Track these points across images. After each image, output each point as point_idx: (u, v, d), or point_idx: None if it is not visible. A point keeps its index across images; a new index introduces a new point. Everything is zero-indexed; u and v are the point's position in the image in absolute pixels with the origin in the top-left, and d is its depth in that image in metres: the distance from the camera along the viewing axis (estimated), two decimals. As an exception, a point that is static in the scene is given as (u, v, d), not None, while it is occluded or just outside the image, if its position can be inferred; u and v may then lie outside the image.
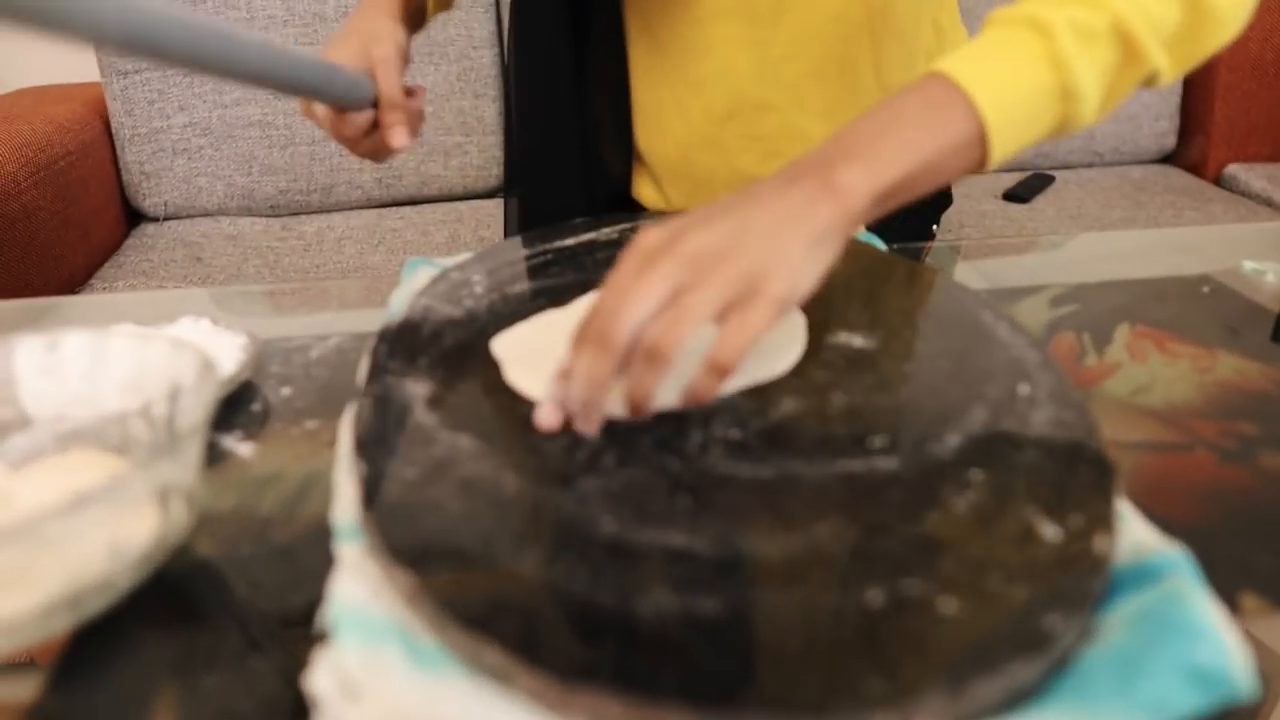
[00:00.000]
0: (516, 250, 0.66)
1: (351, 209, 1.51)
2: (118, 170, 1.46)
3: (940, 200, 0.91)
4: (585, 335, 0.42)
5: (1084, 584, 0.34)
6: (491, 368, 0.49)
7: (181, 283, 1.26)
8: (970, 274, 0.75)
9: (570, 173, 0.85)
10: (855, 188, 0.44)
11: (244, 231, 1.42)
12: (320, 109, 0.66)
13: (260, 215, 1.49)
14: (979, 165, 0.48)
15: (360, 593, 0.35)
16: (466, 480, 0.40)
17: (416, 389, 0.47)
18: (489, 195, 1.57)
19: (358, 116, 0.66)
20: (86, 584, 0.34)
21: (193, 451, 0.38)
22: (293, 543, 0.42)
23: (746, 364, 0.46)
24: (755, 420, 0.44)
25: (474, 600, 0.33)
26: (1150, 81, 0.51)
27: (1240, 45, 1.65)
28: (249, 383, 0.55)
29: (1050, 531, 0.36)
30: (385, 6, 0.72)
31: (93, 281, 1.28)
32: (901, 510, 0.38)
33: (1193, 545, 0.35)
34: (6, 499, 0.39)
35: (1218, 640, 0.30)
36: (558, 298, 0.57)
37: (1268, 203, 1.58)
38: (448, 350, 0.51)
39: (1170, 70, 0.51)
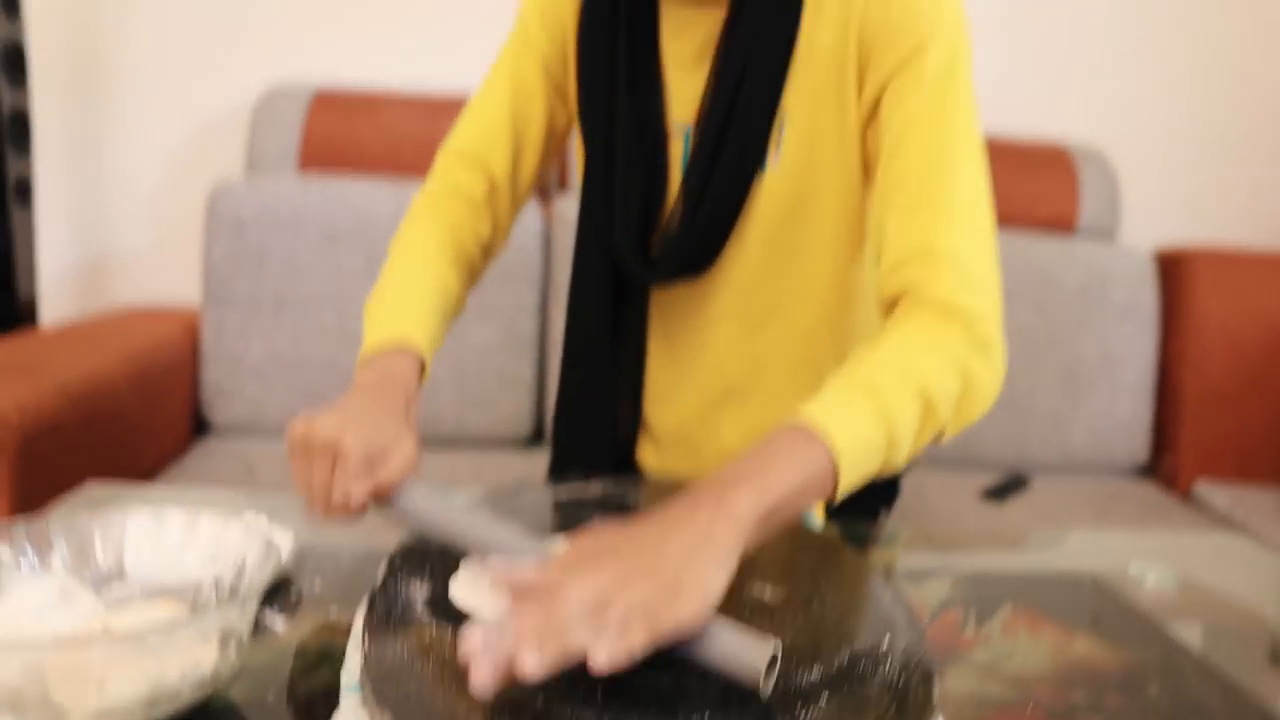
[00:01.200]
0: (522, 497, 0.81)
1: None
2: (196, 386, 1.67)
3: (887, 491, 1.06)
4: (526, 599, 0.50)
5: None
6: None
7: (234, 488, 1.43)
8: (906, 556, 0.89)
9: (597, 428, 0.99)
10: (746, 510, 0.56)
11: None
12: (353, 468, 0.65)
13: (313, 437, 1.67)
14: (829, 496, 0.63)
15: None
16: (444, 660, 0.54)
17: (419, 591, 0.62)
18: (516, 444, 1.75)
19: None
20: (161, 692, 0.47)
21: (250, 608, 0.53)
22: (309, 695, 0.56)
23: None
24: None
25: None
26: (938, 439, 0.71)
27: (1203, 372, 1.85)
28: (288, 575, 0.70)
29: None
30: (398, 394, 0.74)
31: (158, 479, 1.46)
32: (763, 713, 0.51)
33: None
34: (107, 627, 0.53)
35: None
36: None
37: (1228, 522, 1.70)
38: (448, 565, 0.66)
39: (951, 429, 0.72)
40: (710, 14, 0.82)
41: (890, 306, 0.77)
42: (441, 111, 1.81)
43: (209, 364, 1.67)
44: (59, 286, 1.89)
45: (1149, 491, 1.83)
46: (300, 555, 0.73)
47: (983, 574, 0.84)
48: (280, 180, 1.71)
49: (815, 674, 0.55)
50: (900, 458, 0.66)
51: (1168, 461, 1.88)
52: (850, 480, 0.62)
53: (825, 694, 0.53)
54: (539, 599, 0.50)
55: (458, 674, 0.52)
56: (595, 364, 0.97)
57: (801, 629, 0.61)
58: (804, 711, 0.51)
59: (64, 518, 0.61)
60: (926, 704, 0.53)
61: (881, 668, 0.56)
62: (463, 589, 0.63)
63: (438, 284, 0.87)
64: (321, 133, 1.76)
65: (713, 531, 0.54)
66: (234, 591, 0.56)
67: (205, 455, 1.57)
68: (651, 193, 0.87)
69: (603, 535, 0.56)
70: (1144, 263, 1.91)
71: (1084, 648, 0.70)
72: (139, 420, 1.47)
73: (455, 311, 0.92)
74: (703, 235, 0.85)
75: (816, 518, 0.83)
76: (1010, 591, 0.80)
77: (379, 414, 0.69)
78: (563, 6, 0.90)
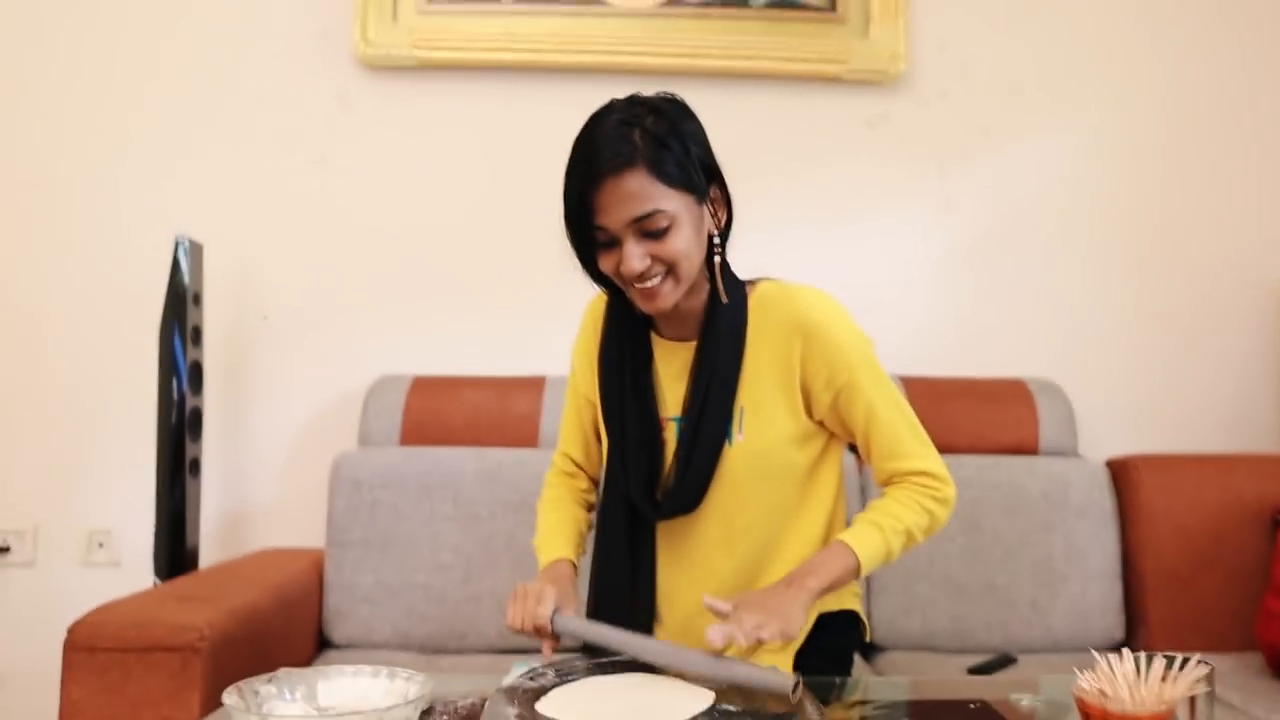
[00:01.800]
0: (573, 660, 1.20)
1: (479, 653, 2.07)
2: (321, 609, 2.09)
3: (850, 642, 1.42)
4: (743, 620, 1.08)
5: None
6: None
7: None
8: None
9: (620, 622, 1.38)
10: (813, 587, 1.18)
11: (397, 661, 1.98)
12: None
13: (412, 650, 2.06)
14: (855, 577, 1.23)
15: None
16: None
17: (510, 710, 1.00)
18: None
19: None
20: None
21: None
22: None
23: (669, 712, 0.98)
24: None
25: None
26: (907, 548, 1.27)
27: (1159, 558, 2.16)
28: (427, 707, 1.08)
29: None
30: (566, 582, 1.32)
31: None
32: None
33: None
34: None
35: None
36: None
37: (1193, 689, 1.96)
38: (529, 696, 1.04)
39: (923, 540, 1.28)
40: (687, 346, 1.32)
41: (885, 485, 1.33)
42: (510, 389, 2.31)
43: (330, 592, 2.08)
44: (214, 536, 2.36)
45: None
46: (434, 697, 1.11)
47: (898, 702, 1.18)
48: (387, 449, 2.19)
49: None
50: (893, 559, 1.26)
51: (1141, 636, 2.15)
52: (866, 570, 1.23)
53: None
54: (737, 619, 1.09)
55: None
56: (618, 577, 1.38)
57: (749, 722, 0.98)
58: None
59: (295, 673, 1.01)
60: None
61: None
62: (542, 707, 1.01)
63: (574, 521, 1.46)
64: (418, 409, 2.26)
65: (799, 596, 1.16)
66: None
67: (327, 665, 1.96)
68: (653, 461, 1.32)
69: (753, 595, 1.18)
70: (1098, 470, 2.27)
71: (950, 738, 1.04)
72: (280, 635, 1.88)
73: (586, 533, 1.48)
74: (691, 486, 1.29)
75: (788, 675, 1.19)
76: (915, 712, 1.15)
77: (558, 587, 1.27)
78: (589, 350, 1.43)
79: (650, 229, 1.16)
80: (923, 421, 2.25)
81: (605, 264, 1.22)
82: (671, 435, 1.31)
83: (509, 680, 1.14)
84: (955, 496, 1.30)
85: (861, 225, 2.58)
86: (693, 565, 1.33)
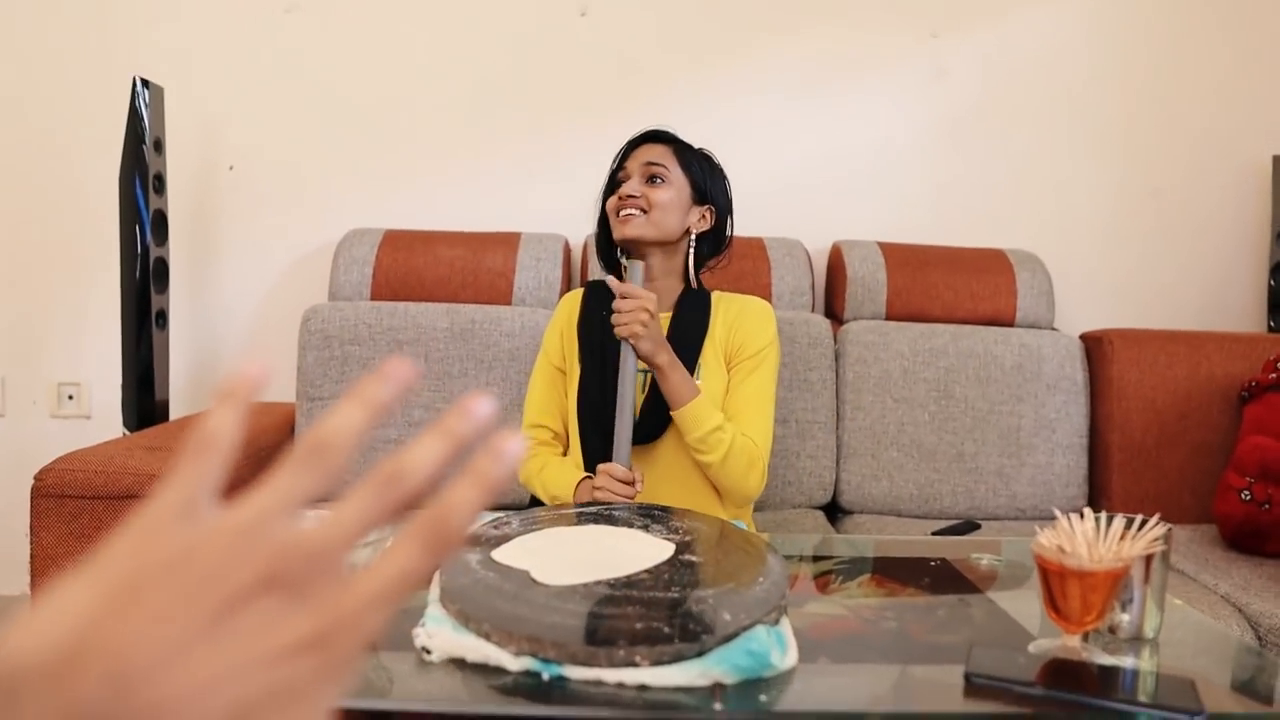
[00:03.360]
0: (537, 511, 1.20)
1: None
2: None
3: None
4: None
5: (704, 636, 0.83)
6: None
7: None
8: (842, 547, 1.25)
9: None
10: (665, 360, 1.42)
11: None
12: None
13: (385, 504, 2.07)
14: (679, 403, 1.44)
15: (439, 615, 0.87)
16: (486, 584, 0.92)
17: (472, 556, 1.00)
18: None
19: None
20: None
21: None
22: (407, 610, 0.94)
23: (629, 563, 0.98)
24: (624, 578, 0.95)
25: (476, 619, 0.84)
26: (710, 465, 1.46)
27: (1126, 432, 2.19)
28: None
29: (727, 616, 0.86)
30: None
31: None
32: (672, 589, 0.88)
33: (819, 657, 0.85)
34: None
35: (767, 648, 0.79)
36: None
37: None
38: (490, 544, 1.04)
39: (721, 469, 1.46)
40: (662, 315, 1.54)
41: None
42: (484, 245, 2.27)
43: (303, 448, 2.08)
44: (184, 389, 2.34)
45: (1089, 536, 2.15)
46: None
47: (862, 559, 1.20)
48: (358, 304, 2.16)
49: (709, 591, 0.92)
50: (702, 439, 1.43)
51: (1102, 507, 2.19)
52: (689, 412, 1.42)
53: (711, 599, 0.90)
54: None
55: (499, 589, 0.90)
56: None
57: (710, 573, 0.99)
58: (694, 605, 0.88)
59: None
60: (775, 604, 0.90)
61: (754, 587, 0.94)
62: (500, 555, 1.01)
63: (577, 466, 1.56)
64: (390, 264, 2.21)
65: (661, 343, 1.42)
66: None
67: (301, 520, 1.97)
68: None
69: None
70: (1072, 343, 2.27)
71: (910, 593, 1.06)
72: (251, 487, 1.88)
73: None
74: (660, 418, 1.48)
75: (744, 524, 1.20)
76: (877, 567, 1.16)
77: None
78: (564, 332, 1.62)
79: (652, 174, 1.54)
80: (902, 290, 2.23)
81: (611, 201, 1.56)
82: (642, 383, 1.53)
83: (472, 527, 1.15)
84: (762, 480, 1.49)
85: (849, 90, 2.51)
86: (654, 481, 1.51)
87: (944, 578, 1.13)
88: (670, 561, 1.01)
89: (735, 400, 1.52)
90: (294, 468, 0.33)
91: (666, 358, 1.42)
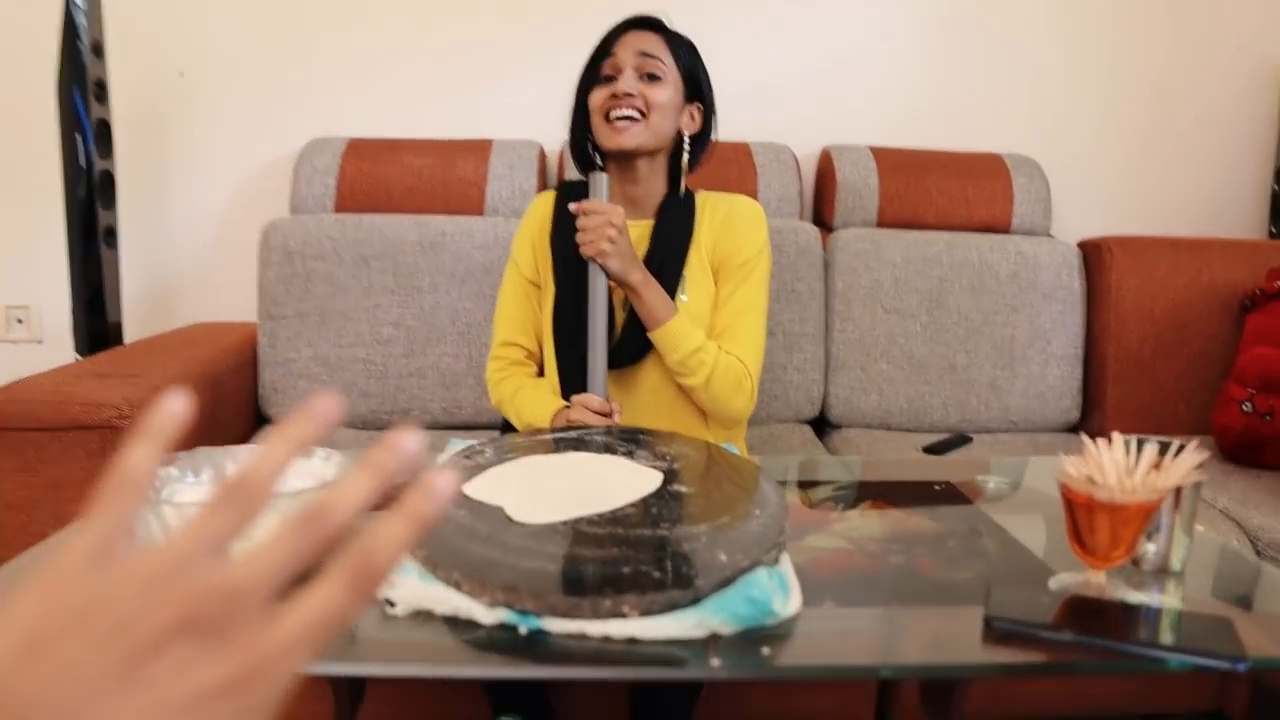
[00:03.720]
0: (514, 439, 1.12)
1: (423, 429, 2.00)
2: (256, 387, 1.99)
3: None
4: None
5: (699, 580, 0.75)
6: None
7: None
8: (838, 469, 1.18)
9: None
10: (638, 279, 1.32)
11: (339, 437, 1.91)
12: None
13: (353, 427, 1.98)
14: (656, 324, 1.32)
15: (411, 567, 0.79)
16: (459, 524, 0.84)
17: (443, 491, 0.92)
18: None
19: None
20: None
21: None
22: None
23: (614, 496, 0.90)
24: (608, 514, 0.87)
25: (445, 565, 0.76)
26: (696, 388, 1.35)
27: (1122, 342, 2.12)
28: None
29: (724, 557, 0.78)
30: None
31: (232, 464, 1.77)
32: (659, 548, 0.80)
33: (821, 594, 0.77)
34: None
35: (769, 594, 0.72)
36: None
37: (1143, 468, 1.97)
38: (465, 477, 0.96)
39: (706, 391, 1.35)
40: (639, 225, 1.43)
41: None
42: (453, 153, 2.14)
43: (265, 368, 1.98)
44: (138, 311, 2.22)
45: (1076, 443, 2.09)
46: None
47: (862, 483, 1.12)
48: (321, 217, 2.03)
49: (702, 527, 0.84)
50: (683, 360, 1.32)
51: (1095, 420, 2.14)
52: (667, 331, 1.31)
53: (704, 535, 0.82)
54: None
55: (471, 530, 0.82)
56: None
57: (701, 505, 0.91)
58: (686, 543, 0.81)
59: (205, 452, 0.92)
60: (774, 541, 0.82)
61: (749, 521, 0.86)
62: (472, 489, 0.93)
63: (554, 392, 1.43)
64: (354, 174, 2.08)
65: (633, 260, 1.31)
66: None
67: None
68: (610, 317, 1.36)
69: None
70: (1070, 251, 2.18)
71: (914, 522, 0.99)
72: (212, 414, 1.78)
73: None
74: (632, 346, 1.37)
75: (736, 447, 1.12)
76: (878, 492, 1.09)
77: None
78: (535, 240, 1.48)
79: (649, 70, 1.36)
80: (894, 196, 2.11)
81: (596, 95, 1.37)
82: (620, 299, 1.39)
83: (443, 458, 1.06)
84: (751, 401, 1.38)
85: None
86: (637, 406, 1.40)
87: (949, 503, 1.06)
88: (658, 494, 0.93)
89: (723, 314, 1.41)
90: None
91: (639, 275, 1.30)
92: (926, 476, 1.17)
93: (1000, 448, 2.03)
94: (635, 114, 1.34)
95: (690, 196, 1.46)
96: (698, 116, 1.44)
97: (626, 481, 0.97)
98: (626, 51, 1.36)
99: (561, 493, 0.94)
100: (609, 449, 1.09)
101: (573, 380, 1.38)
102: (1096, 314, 2.16)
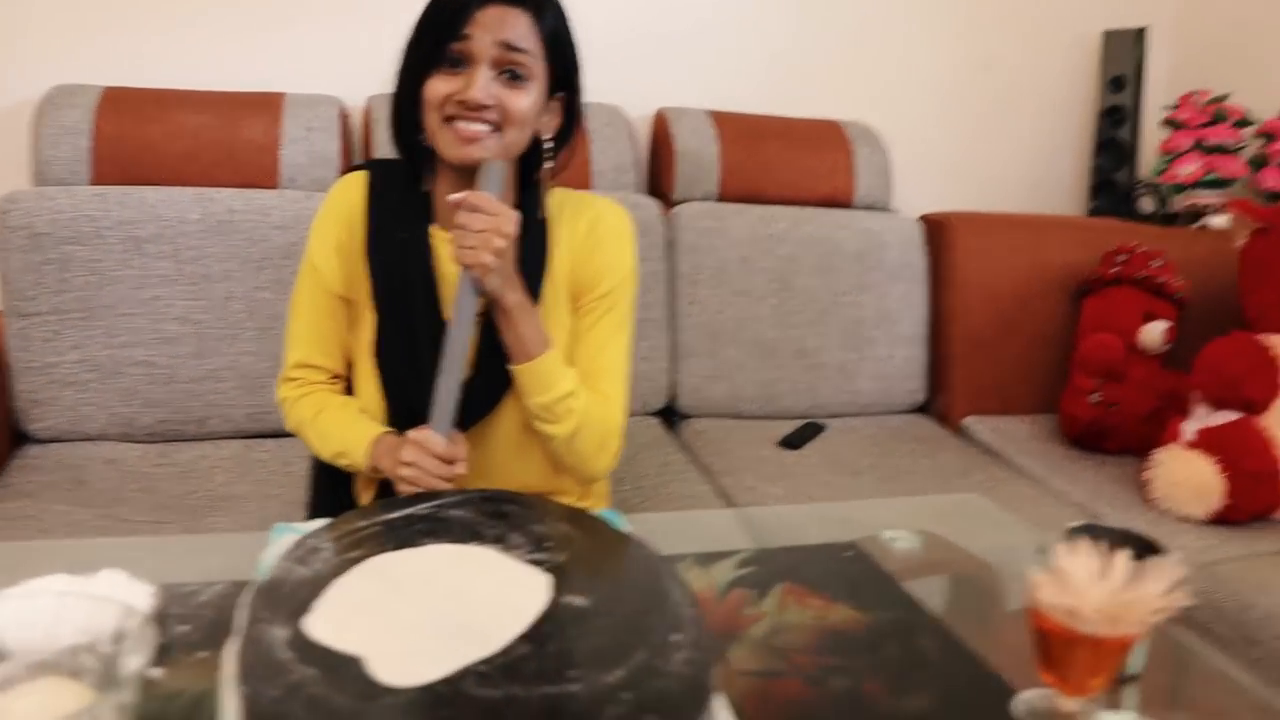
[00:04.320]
0: (355, 522, 0.91)
1: (223, 438, 1.72)
2: (7, 398, 1.64)
3: None
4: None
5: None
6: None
7: (66, 503, 1.44)
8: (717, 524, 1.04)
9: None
10: (514, 300, 1.06)
11: (123, 456, 1.61)
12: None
13: (139, 441, 1.68)
14: (524, 358, 1.09)
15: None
16: (310, 698, 0.64)
17: (279, 633, 0.71)
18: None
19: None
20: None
21: (133, 686, 0.60)
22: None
23: (496, 621, 0.72)
24: (498, 658, 0.70)
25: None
26: (555, 437, 1.14)
27: (967, 322, 2.10)
28: (157, 620, 0.77)
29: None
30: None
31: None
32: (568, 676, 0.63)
33: None
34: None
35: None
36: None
37: (990, 451, 1.97)
38: (301, 603, 0.75)
39: (566, 445, 1.14)
40: None
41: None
42: (237, 110, 1.82)
43: (20, 375, 1.64)
44: None
45: (925, 427, 2.08)
46: (163, 597, 0.80)
47: (763, 553, 0.99)
48: (74, 190, 1.67)
49: (618, 674, 0.68)
50: (546, 407, 1.11)
51: (941, 400, 2.13)
52: (532, 370, 1.09)
53: (626, 693, 0.66)
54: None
55: (327, 705, 0.62)
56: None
57: (607, 632, 0.74)
58: (609, 708, 0.64)
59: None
60: (707, 688, 0.67)
61: (671, 660, 0.70)
62: (316, 628, 0.72)
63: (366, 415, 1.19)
64: (114, 135, 1.72)
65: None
66: (111, 664, 0.64)
67: (29, 469, 1.56)
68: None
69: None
70: (913, 228, 2.14)
71: (840, 615, 0.87)
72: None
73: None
74: (491, 391, 1.14)
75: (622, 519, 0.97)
76: (785, 566, 0.96)
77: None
78: (341, 241, 1.17)
79: (513, 65, 1.06)
80: (736, 166, 2.09)
81: (437, 86, 1.06)
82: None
83: (269, 559, 0.85)
84: (614, 460, 1.21)
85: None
86: (486, 471, 1.18)
87: (866, 578, 0.95)
88: (550, 614, 0.76)
89: (583, 351, 1.19)
90: None
91: (516, 297, 1.07)
92: (827, 534, 1.06)
93: (851, 435, 1.98)
94: (486, 127, 1.06)
95: (542, 219, 1.19)
96: (559, 111, 1.16)
97: (508, 593, 0.79)
98: (484, 38, 1.04)
99: (432, 622, 0.75)
100: (474, 533, 0.90)
101: (403, 429, 1.13)
102: (941, 293, 2.13)
